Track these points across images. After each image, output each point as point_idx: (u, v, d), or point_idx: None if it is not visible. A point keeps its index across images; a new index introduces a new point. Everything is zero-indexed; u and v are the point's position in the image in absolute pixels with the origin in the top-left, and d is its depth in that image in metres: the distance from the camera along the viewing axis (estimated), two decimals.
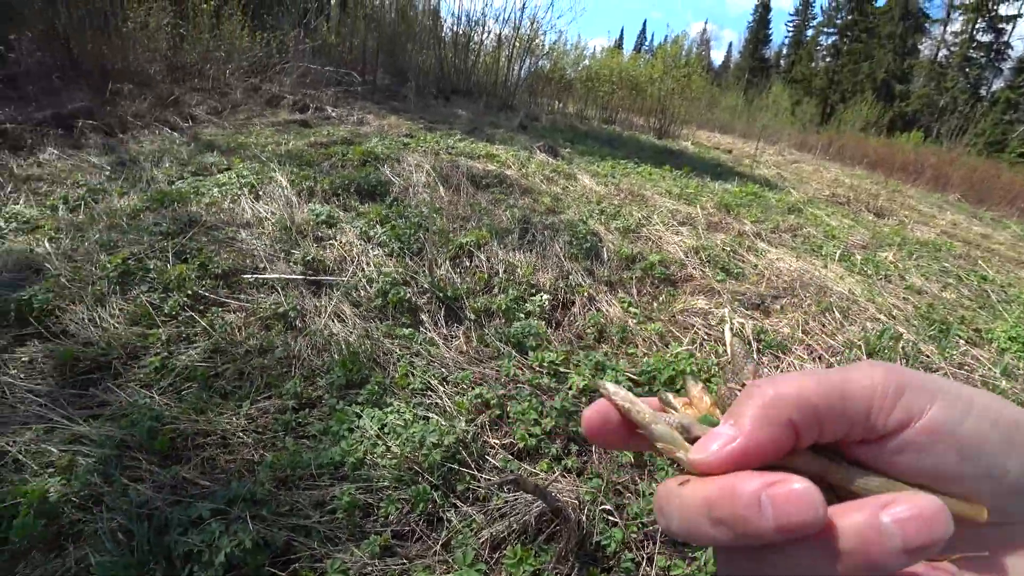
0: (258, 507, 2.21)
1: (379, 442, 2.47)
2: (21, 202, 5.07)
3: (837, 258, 7.01)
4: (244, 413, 2.79)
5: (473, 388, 2.88)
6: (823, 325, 4.93)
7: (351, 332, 3.36)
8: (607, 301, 4.20)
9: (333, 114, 9.81)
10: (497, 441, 2.62)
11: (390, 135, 8.33)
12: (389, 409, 2.68)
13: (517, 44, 16.63)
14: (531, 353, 3.23)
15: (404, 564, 2.13)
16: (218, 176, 5.87)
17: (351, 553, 2.12)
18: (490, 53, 17.13)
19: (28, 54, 8.53)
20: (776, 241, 7.37)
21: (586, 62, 19.72)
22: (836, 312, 5.14)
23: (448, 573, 2.08)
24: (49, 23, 8.54)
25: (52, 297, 3.49)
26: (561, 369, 3.15)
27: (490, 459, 2.52)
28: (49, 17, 8.54)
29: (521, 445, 2.57)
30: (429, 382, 2.95)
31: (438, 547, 2.18)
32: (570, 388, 2.96)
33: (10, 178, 5.57)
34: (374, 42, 14.80)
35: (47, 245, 4.19)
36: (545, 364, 3.09)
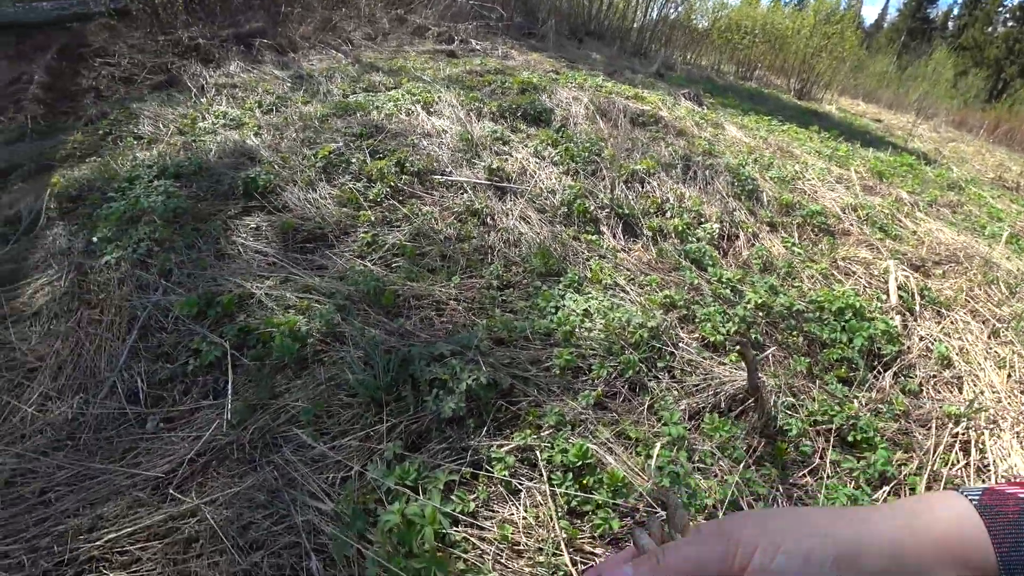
0: (484, 356, 2.66)
1: (586, 319, 2.84)
2: (224, 104, 5.88)
3: (1004, 240, 6.47)
4: (454, 284, 3.26)
5: (660, 290, 3.17)
6: (988, 295, 4.69)
7: (539, 233, 3.74)
8: (769, 239, 4.27)
9: (478, 47, 10.10)
10: (686, 335, 2.91)
11: (536, 70, 8.51)
12: (589, 295, 3.03)
13: None
14: (709, 269, 3.46)
15: (614, 416, 2.51)
16: (389, 93, 6.37)
17: (566, 403, 2.53)
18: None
19: None
20: (934, 214, 6.89)
21: (725, 11, 18.41)
22: (1003, 286, 4.85)
23: (655, 427, 2.44)
24: None
25: (272, 179, 4.15)
26: (737, 286, 3.35)
27: (683, 346, 2.82)
28: None
29: (711, 339, 2.84)
30: (617, 281, 3.26)
31: (644, 408, 2.54)
32: (748, 302, 3.16)
33: (212, 85, 6.42)
34: None
35: (254, 139, 4.91)
36: (724, 280, 3.31)
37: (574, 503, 2.10)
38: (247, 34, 8.14)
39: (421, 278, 3.33)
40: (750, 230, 4.32)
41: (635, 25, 16.21)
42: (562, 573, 1.92)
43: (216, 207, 3.92)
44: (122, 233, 3.59)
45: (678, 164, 4.97)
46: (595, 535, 2.05)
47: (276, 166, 4.28)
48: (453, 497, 2.06)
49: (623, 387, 2.64)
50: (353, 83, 6.94)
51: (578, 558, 1.96)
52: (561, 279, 3.22)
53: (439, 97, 6.04)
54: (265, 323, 2.82)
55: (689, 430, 2.46)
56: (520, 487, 2.18)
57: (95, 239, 3.58)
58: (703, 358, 2.75)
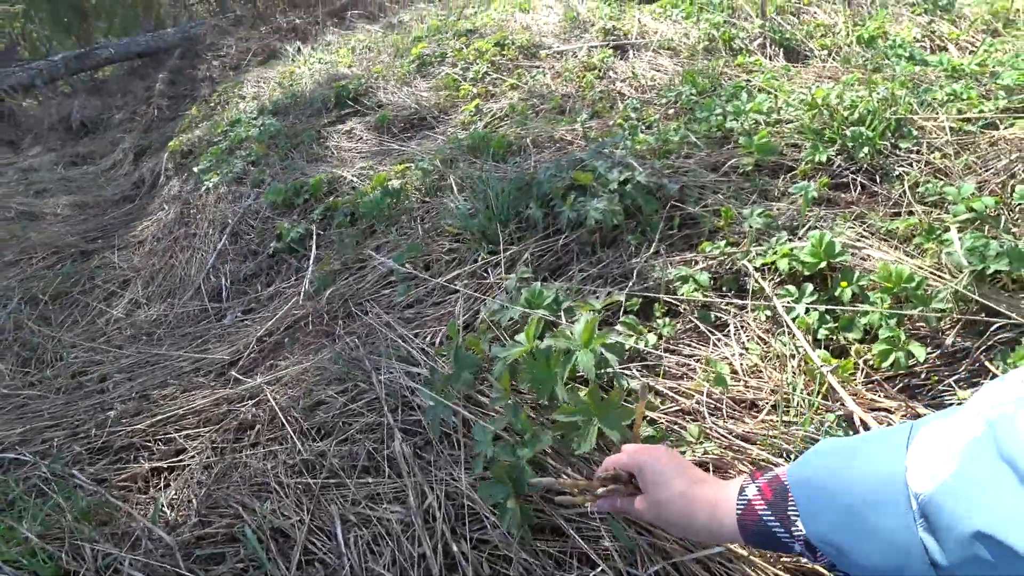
0: (640, 160, 1.83)
1: (773, 113, 1.89)
2: (320, 54, 5.71)
3: None
4: (580, 123, 2.48)
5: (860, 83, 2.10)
6: None
7: (676, 72, 2.82)
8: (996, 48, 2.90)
9: None
10: (926, 122, 1.83)
11: None
12: (764, 97, 2.07)
13: None
14: (931, 59, 2.31)
15: (856, 211, 1.55)
16: (483, 8, 5.76)
17: (772, 206, 1.62)
18: None
19: None
20: None
21: None
22: None
23: (933, 213, 1.44)
24: None
25: (363, 83, 3.72)
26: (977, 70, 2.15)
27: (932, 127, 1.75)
28: None
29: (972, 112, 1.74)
30: (798, 89, 2.25)
31: (902, 195, 1.55)
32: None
33: (310, 51, 6.35)
34: None
35: (347, 69, 4.56)
36: (955, 67, 2.15)
37: (824, 331, 1.22)
38: (340, 9, 8.19)
39: (536, 128, 2.61)
40: (961, 39, 2.98)
41: None
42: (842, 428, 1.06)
43: (310, 123, 3.59)
44: (221, 163, 3.40)
45: None
46: (876, 371, 1.16)
47: (367, 78, 3.87)
48: (618, 327, 1.29)
49: (857, 176, 1.66)
50: (443, 19, 6.51)
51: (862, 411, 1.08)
52: (719, 95, 2.28)
53: (535, 2, 5.32)
54: (355, 195, 2.30)
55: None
56: (724, 316, 1.34)
57: (196, 170, 3.42)
58: (971, 131, 1.67)
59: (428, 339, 1.48)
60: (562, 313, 1.28)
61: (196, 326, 2.11)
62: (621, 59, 3.27)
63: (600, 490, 0.74)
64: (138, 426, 1.55)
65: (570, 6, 4.19)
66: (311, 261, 2.05)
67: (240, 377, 1.66)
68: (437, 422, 1.17)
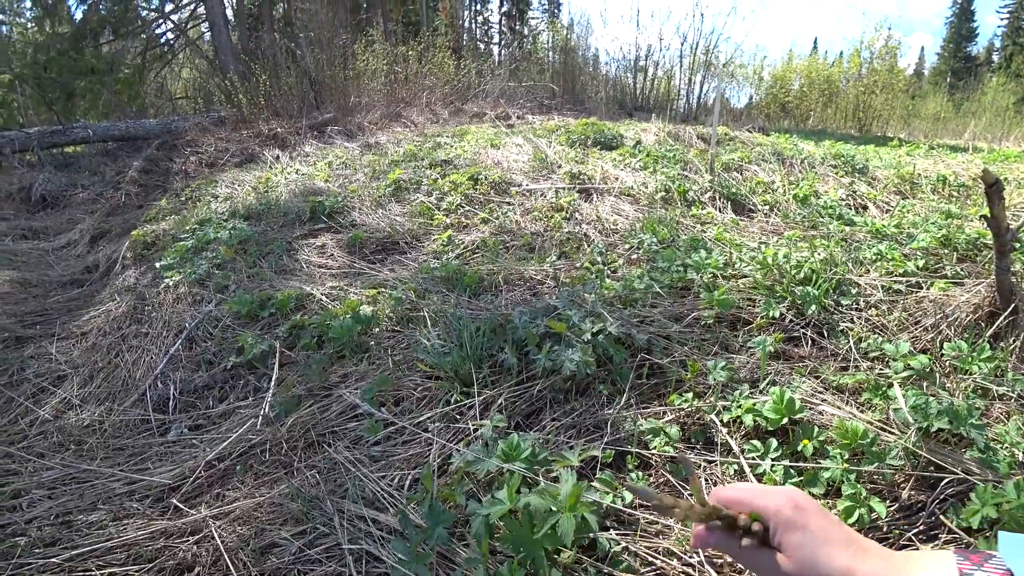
0: (609, 309, 1.95)
1: (728, 267, 2.11)
2: (297, 165, 5.96)
3: None
4: (549, 264, 2.65)
5: (805, 242, 2.41)
6: None
7: (637, 219, 3.12)
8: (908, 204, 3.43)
9: (534, 120, 10.28)
10: (859, 279, 2.09)
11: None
12: (721, 251, 2.32)
13: (694, 62, 16.36)
14: (857, 220, 2.70)
15: (808, 365, 1.69)
16: (456, 145, 6.27)
17: (733, 358, 1.75)
18: (664, 74, 17.06)
19: (290, 87, 10.35)
20: None
21: (766, 72, 18.50)
22: None
23: (876, 368, 1.59)
24: (302, 67, 10.46)
25: (339, 201, 3.88)
26: (899, 229, 2.53)
27: (866, 283, 1.99)
28: (303, 63, 10.49)
29: (901, 269, 2.01)
30: (747, 243, 2.53)
31: (848, 351, 1.71)
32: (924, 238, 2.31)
33: (288, 157, 6.63)
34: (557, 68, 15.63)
35: (323, 183, 4.76)
36: (879, 228, 2.53)
37: (790, 485, 1.27)
38: (320, 124, 8.67)
39: (508, 263, 2.75)
40: (878, 199, 3.51)
41: (682, 101, 16.60)
42: None
43: (282, 233, 3.64)
44: (186, 262, 3.35)
45: (770, 158, 4.32)
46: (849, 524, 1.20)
47: (343, 196, 4.03)
48: (595, 484, 1.29)
49: (806, 330, 1.83)
50: (419, 145, 7.00)
51: None
52: (678, 246, 2.53)
53: (505, 140, 5.86)
54: (323, 317, 2.29)
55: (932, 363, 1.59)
56: (695, 468, 1.38)
57: (158, 265, 3.34)
58: (899, 289, 1.92)
59: (397, 481, 1.43)
60: (536, 470, 1.28)
61: (135, 439, 1.95)
62: (586, 201, 3.59)
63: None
64: (53, 559, 1.37)
65: (539, 148, 4.63)
66: (272, 382, 1.99)
67: (182, 507, 1.52)
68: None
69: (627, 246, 2.73)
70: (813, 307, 1.83)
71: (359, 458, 1.51)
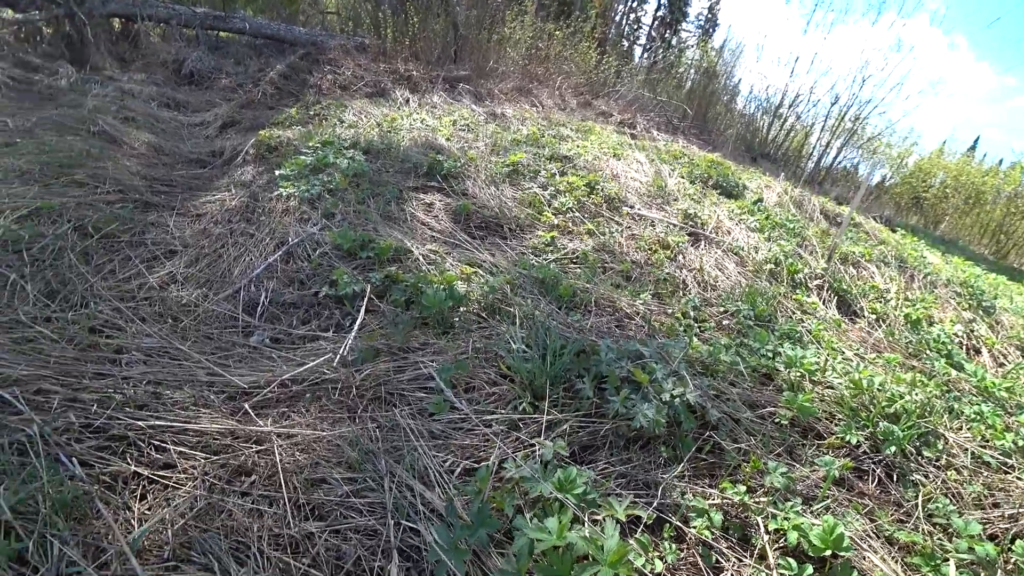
0: (690, 372, 1.93)
1: (818, 372, 2.02)
2: (424, 114, 6.10)
3: None
4: (641, 301, 2.63)
5: (904, 371, 2.26)
6: None
7: (739, 282, 3.02)
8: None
9: (659, 137, 10.05)
10: (949, 433, 1.95)
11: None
12: (814, 350, 2.22)
13: (838, 125, 15.33)
14: (967, 366, 2.49)
15: (867, 504, 1.62)
16: (579, 141, 6.24)
17: (795, 467, 1.70)
18: (802, 129, 16.10)
19: (435, 34, 10.52)
20: None
21: (911, 158, 17.04)
22: None
23: (935, 533, 1.50)
24: (451, 17, 10.62)
25: (457, 166, 3.95)
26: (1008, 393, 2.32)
27: (954, 440, 1.86)
28: (452, 13, 10.66)
29: (992, 441, 1.86)
30: (843, 350, 2.41)
31: (914, 506, 1.62)
32: None
33: (416, 105, 6.80)
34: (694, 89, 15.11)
35: (444, 141, 4.85)
36: (988, 384, 2.32)
37: None
38: (454, 78, 8.82)
39: (601, 285, 2.76)
40: (995, 347, 3.22)
41: (811, 162, 15.64)
42: None
43: (396, 179, 3.78)
44: (301, 178, 3.55)
45: (892, 262, 4.03)
46: None
47: (462, 161, 4.11)
48: (632, 541, 1.31)
49: (876, 467, 1.75)
50: (543, 129, 7.01)
51: None
52: (774, 328, 2.44)
53: (628, 153, 5.78)
54: (417, 278, 2.39)
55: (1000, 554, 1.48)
56: (724, 562, 1.36)
57: (277, 173, 3.56)
58: (988, 461, 1.78)
59: (449, 464, 1.50)
60: (584, 508, 1.31)
61: (222, 332, 2.13)
62: (693, 246, 3.51)
63: None
64: (139, 422, 1.53)
65: (660, 174, 4.55)
66: (356, 325, 2.10)
67: (251, 413, 1.66)
68: (442, 572, 1.16)
69: (722, 309, 2.67)
70: (892, 448, 1.74)
71: (420, 430, 1.59)
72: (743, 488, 1.53)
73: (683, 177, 5.18)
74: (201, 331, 2.15)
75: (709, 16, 26.15)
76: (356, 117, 5.44)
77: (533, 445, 1.51)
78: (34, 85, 5.25)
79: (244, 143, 4.54)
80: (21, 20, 6.69)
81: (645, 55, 15.73)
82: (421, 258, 2.69)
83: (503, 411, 1.65)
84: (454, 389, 1.75)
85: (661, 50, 18.04)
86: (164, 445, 1.50)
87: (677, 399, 1.68)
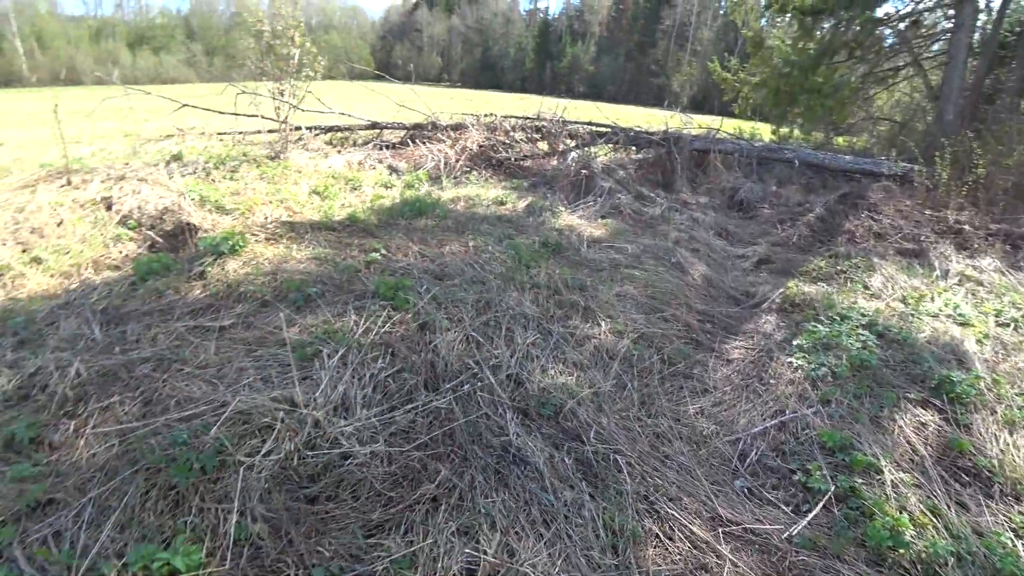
0: None
1: None
2: (960, 295, 5.51)
3: None
4: None
5: None
6: None
7: None
8: None
9: None
10: None
11: None
12: None
13: None
14: None
15: None
16: None
17: None
18: None
19: (1007, 170, 8.41)
20: None
21: None
22: None
23: None
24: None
25: (970, 391, 3.69)
26: None
27: None
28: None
29: None
30: None
31: None
32: None
33: (956, 273, 6.10)
34: None
35: (973, 346, 4.41)
36: None
37: None
38: (1018, 236, 7.40)
39: None
40: None
41: None
42: None
43: (900, 380, 3.92)
44: (814, 352, 4.25)
45: None
46: None
47: (985, 382, 3.89)
48: None
49: None
50: None
51: None
52: None
53: None
54: (875, 503, 2.81)
55: None
56: None
57: (794, 343, 4.44)
58: None
59: None
60: None
61: (719, 467, 3.23)
62: None
63: None
64: (640, 504, 2.80)
65: None
66: (807, 518, 2.82)
67: (721, 539, 2.69)
68: None
69: None
70: None
71: None
72: None
73: None
74: (708, 461, 3.33)
75: None
76: (881, 285, 5.62)
77: None
78: (642, 215, 7.85)
79: (773, 289, 5.52)
80: (640, 159, 10.00)
81: None
82: (889, 483, 3.05)
83: None
84: None
85: None
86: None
87: None
